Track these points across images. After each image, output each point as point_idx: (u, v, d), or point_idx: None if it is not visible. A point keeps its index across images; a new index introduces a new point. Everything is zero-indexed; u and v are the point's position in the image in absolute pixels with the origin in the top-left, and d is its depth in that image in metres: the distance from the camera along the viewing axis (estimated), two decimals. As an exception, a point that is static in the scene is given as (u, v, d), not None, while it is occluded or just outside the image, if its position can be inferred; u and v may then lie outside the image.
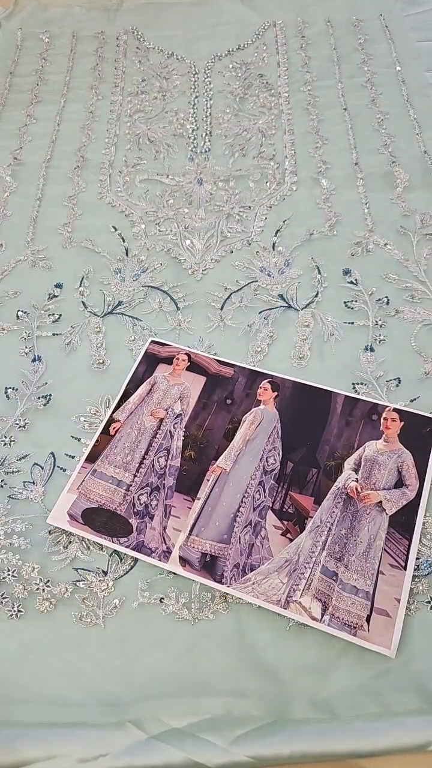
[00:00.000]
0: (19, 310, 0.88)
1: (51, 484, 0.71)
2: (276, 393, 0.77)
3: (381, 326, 0.84)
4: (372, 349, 0.81)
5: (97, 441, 0.74)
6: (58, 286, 0.91)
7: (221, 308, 0.87)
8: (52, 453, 0.74)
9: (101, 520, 0.67)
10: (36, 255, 0.95)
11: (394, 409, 0.74)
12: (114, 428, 0.75)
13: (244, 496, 0.68)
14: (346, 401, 0.75)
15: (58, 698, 0.58)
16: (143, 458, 0.72)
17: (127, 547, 0.65)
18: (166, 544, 0.65)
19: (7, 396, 0.79)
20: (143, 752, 0.55)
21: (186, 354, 0.81)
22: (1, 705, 0.58)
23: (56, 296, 0.90)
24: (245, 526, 0.66)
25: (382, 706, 0.56)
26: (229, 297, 0.89)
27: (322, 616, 0.60)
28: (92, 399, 0.78)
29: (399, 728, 0.55)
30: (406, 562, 0.63)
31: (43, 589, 0.64)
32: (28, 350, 0.84)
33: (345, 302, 0.86)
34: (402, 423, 0.72)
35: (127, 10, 1.38)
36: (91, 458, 0.72)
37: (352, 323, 0.84)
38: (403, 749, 0.54)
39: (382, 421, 0.73)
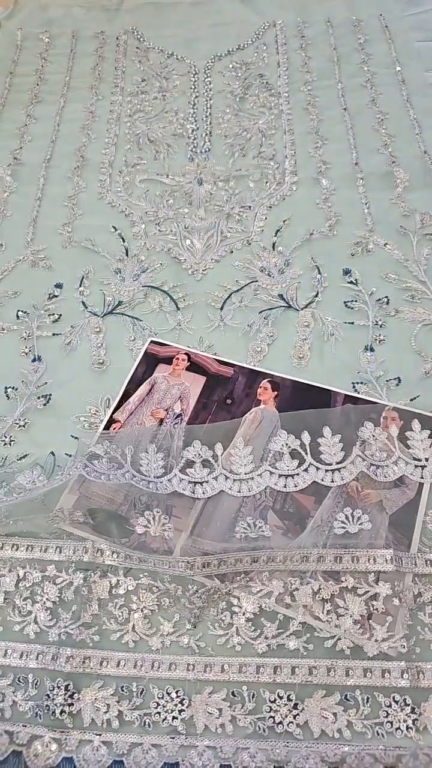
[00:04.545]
0: (19, 310, 0.88)
1: (51, 485, 0.71)
2: (276, 393, 0.77)
3: (381, 326, 0.84)
4: (372, 349, 0.81)
5: (97, 441, 0.74)
6: (58, 286, 0.91)
7: (221, 308, 0.87)
8: (52, 453, 0.74)
9: (102, 520, 0.67)
10: (36, 255, 0.95)
11: (394, 409, 0.74)
12: (114, 428, 0.75)
13: (245, 496, 0.68)
14: (346, 401, 0.75)
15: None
16: (143, 458, 0.72)
17: (128, 547, 0.65)
18: (167, 544, 0.65)
19: (7, 396, 0.79)
20: None
21: (186, 354, 0.81)
22: None
23: (56, 296, 0.90)
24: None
25: None
26: (229, 297, 0.88)
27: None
28: (92, 399, 0.78)
29: None
30: (406, 561, 0.63)
31: (44, 589, 0.64)
32: (28, 350, 0.84)
33: (345, 302, 0.86)
34: (402, 422, 0.72)
35: (127, 10, 1.38)
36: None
37: (352, 323, 0.84)
38: None
39: (382, 420, 0.73)
